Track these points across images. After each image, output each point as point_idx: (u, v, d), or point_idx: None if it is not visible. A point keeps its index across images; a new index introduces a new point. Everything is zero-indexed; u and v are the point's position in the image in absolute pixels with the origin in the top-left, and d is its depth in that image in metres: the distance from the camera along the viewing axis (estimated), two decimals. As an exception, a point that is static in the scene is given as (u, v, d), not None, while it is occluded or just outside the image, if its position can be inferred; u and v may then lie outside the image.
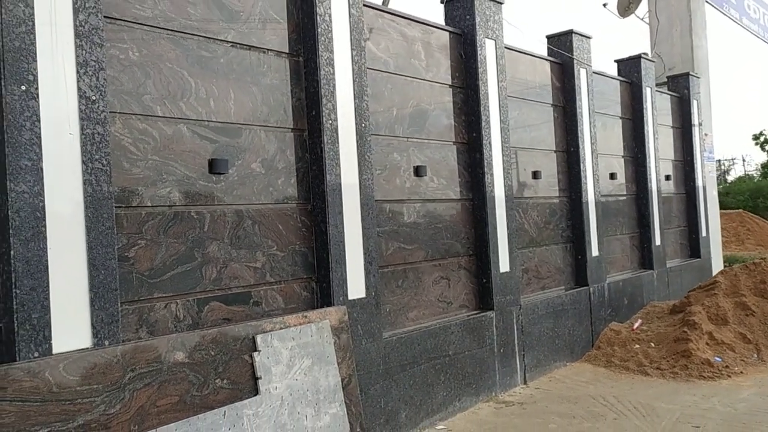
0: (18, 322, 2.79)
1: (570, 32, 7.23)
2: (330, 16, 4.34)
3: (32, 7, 2.92)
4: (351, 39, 4.50)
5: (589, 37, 7.46)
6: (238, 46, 3.98)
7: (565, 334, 6.53)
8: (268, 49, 4.14)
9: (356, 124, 4.47)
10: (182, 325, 3.55)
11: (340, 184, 4.30)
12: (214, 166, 3.75)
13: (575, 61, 7.14)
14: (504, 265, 5.76)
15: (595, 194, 7.27)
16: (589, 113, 7.31)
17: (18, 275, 2.80)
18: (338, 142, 4.31)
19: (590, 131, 7.30)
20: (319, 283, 4.25)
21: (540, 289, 6.53)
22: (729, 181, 37.11)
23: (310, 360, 3.78)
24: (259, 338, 3.56)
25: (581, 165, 7.08)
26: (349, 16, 4.49)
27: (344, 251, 4.28)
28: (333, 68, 4.34)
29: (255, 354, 3.51)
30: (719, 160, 42.86)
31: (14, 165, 2.81)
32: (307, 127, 4.30)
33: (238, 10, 3.99)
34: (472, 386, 5.29)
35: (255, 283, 3.93)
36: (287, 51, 4.26)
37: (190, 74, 3.70)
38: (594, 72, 7.61)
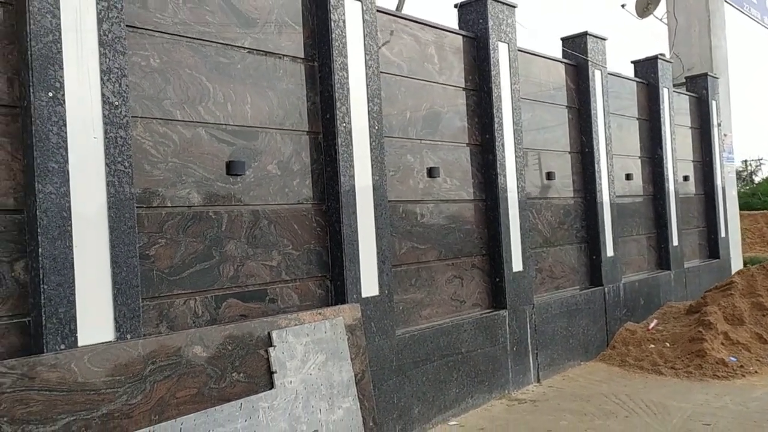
0: (45, 316, 2.95)
1: (585, 34, 7.28)
2: (344, 22, 4.47)
3: (59, 18, 3.08)
4: (365, 44, 4.62)
5: (604, 39, 7.50)
6: (254, 52, 4.12)
7: (580, 334, 6.58)
8: (283, 55, 4.28)
9: (370, 126, 4.59)
10: (201, 321, 3.69)
11: (354, 185, 4.42)
12: (232, 168, 3.89)
13: (590, 63, 7.19)
14: (517, 264, 5.83)
15: (610, 195, 7.31)
16: (604, 114, 7.35)
17: (45, 272, 2.96)
18: (352, 145, 4.44)
19: (605, 132, 7.34)
20: (334, 282, 4.38)
21: (554, 288, 6.59)
22: (756, 182, 36.56)
23: (324, 355, 3.91)
24: (274, 334, 3.69)
25: (596, 166, 7.12)
26: (363, 22, 4.61)
27: (358, 250, 4.40)
28: (347, 72, 4.46)
29: (270, 349, 3.65)
30: (746, 161, 42.21)
31: (42, 167, 2.98)
32: (322, 130, 4.43)
33: (254, 18, 4.13)
34: (484, 383, 5.37)
35: (271, 281, 4.06)
36: (302, 56, 4.40)
37: (208, 80, 3.85)
38: (609, 73, 7.65)
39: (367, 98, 4.60)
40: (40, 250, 2.95)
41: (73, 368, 2.88)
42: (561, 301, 6.40)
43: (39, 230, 2.95)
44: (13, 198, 3.00)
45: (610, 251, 7.23)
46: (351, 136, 4.44)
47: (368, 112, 4.60)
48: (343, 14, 4.47)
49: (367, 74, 4.62)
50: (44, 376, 2.79)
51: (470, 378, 5.24)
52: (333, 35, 4.39)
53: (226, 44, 3.97)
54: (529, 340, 5.91)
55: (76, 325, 3.04)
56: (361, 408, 4.04)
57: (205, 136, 3.81)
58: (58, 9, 3.08)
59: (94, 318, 3.12)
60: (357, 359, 4.10)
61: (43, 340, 2.95)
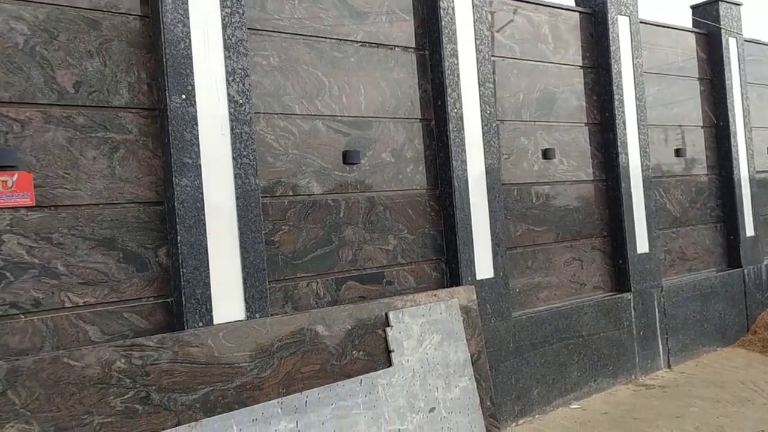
0: (185, 297, 3.29)
1: (716, 0, 6.81)
2: (453, 9, 4.52)
3: (188, 27, 3.40)
4: (475, 29, 4.65)
5: (738, 4, 6.98)
6: (367, 44, 4.28)
7: (715, 318, 6.24)
8: (395, 46, 4.41)
9: (481, 111, 4.63)
10: (322, 302, 3.93)
11: (466, 170, 4.49)
12: (348, 157, 4.09)
13: (723, 31, 6.73)
14: (642, 246, 5.63)
15: (749, 170, 6.82)
16: (741, 85, 6.86)
17: (184, 257, 3.30)
18: (463, 130, 4.50)
19: (743, 104, 6.86)
20: (448, 264, 4.48)
21: (686, 270, 6.28)
22: None
23: (439, 336, 4.02)
24: (391, 314, 3.85)
25: (732, 140, 6.68)
26: (473, 7, 4.64)
27: (471, 234, 4.47)
28: (457, 59, 4.52)
29: (388, 329, 3.82)
30: None
31: (178, 163, 3.31)
32: (434, 117, 4.53)
33: (366, 12, 4.29)
34: (608, 368, 5.26)
35: (387, 264, 4.23)
36: (413, 46, 4.51)
37: (324, 74, 4.06)
38: (746, 40, 7.12)
39: (478, 83, 4.64)
40: (178, 237, 3.29)
41: (210, 344, 3.19)
42: (693, 283, 6.09)
43: (177, 220, 3.29)
44: (154, 191, 3.36)
45: (749, 230, 6.76)
46: (462, 122, 4.51)
47: (479, 96, 4.63)
48: (452, 1, 4.52)
49: (477, 59, 4.66)
50: (186, 350, 3.11)
51: (592, 362, 5.15)
52: (442, 23, 4.46)
53: (340, 39, 4.16)
54: (657, 324, 5.69)
55: (211, 305, 3.36)
56: (477, 388, 4.12)
57: (323, 128, 4.03)
58: (188, 18, 3.39)
59: (227, 298, 3.43)
60: (473, 340, 4.19)
61: (183, 318, 3.29)
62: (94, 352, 2.86)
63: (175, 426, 2.98)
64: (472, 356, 4.14)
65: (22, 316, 2.96)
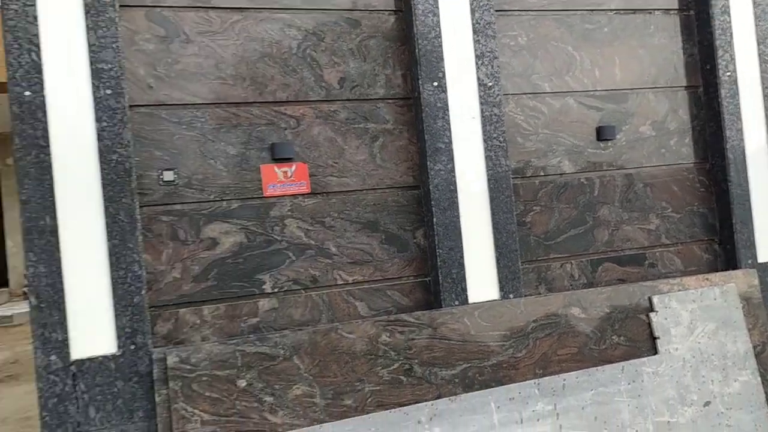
0: (441, 276, 3.42)
1: None
2: (722, -41, 4.04)
3: (438, 16, 3.51)
4: (751, -21, 4.11)
5: None
6: (621, 12, 4.02)
7: None
8: (653, 9, 4.08)
9: (761, 72, 4.07)
10: (577, 284, 3.80)
11: (742, 140, 3.99)
12: (602, 134, 3.89)
13: None
14: None
15: None
16: None
17: (440, 238, 3.43)
18: (738, 95, 4.00)
19: None
20: (722, 246, 4.03)
21: None
22: None
23: (714, 324, 3.65)
24: (655, 299, 3.60)
25: None
26: (747, -46, 4.10)
27: (751, 211, 3.96)
28: (729, 16, 4.03)
29: (651, 314, 3.57)
30: None
31: (432, 148, 3.45)
32: (702, 83, 4.10)
33: (619, -23, 4.03)
34: None
35: (649, 245, 3.95)
36: (676, 7, 4.12)
37: (574, 48, 3.91)
38: None
39: (757, 40, 4.09)
40: (434, 219, 3.43)
41: (465, 322, 3.29)
42: None
43: (432, 202, 3.43)
44: (411, 176, 3.55)
45: None
46: (737, 86, 4.01)
47: (759, 55, 4.08)
48: (721, -49, 4.05)
49: (755, 14, 4.10)
50: (443, 327, 3.25)
51: None
52: (710, -23, 4.02)
53: (591, 10, 3.96)
54: None
55: (465, 284, 3.45)
56: (763, 383, 3.67)
57: (574, 105, 3.89)
58: (437, 8, 3.51)
59: (480, 279, 3.49)
60: (755, 330, 3.73)
61: (440, 297, 3.43)
62: (363, 326, 3.12)
63: (437, 398, 3.13)
64: (754, 348, 3.69)
65: (303, 292, 3.34)
